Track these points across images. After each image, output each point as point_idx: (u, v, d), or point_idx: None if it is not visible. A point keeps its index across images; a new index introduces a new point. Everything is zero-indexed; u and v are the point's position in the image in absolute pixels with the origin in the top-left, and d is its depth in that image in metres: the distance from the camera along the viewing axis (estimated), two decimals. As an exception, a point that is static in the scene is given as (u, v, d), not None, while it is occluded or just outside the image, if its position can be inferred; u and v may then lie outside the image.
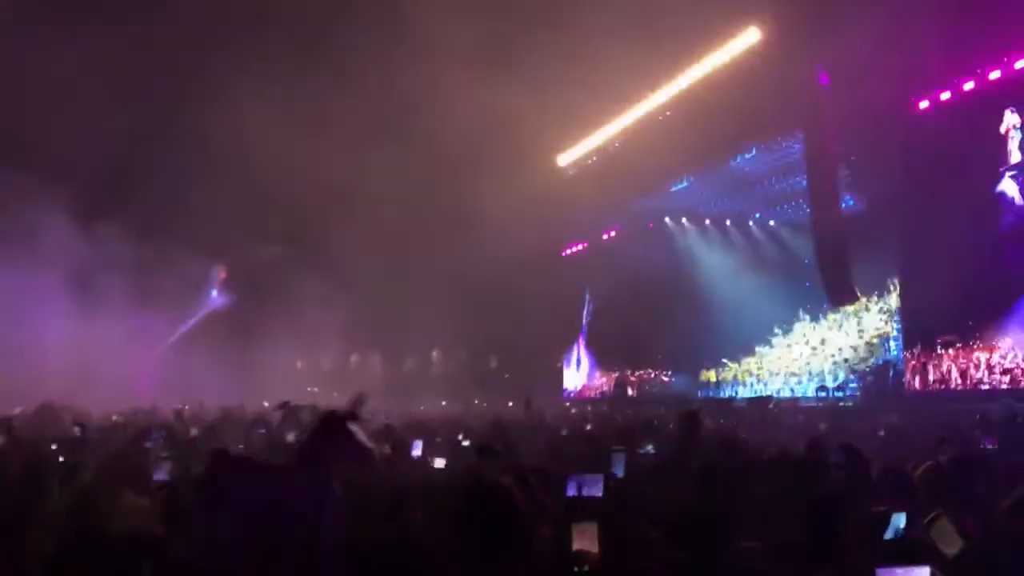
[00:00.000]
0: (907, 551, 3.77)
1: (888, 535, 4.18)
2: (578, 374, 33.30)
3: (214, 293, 29.93)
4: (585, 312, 33.14)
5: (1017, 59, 17.44)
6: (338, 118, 22.29)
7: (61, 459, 7.08)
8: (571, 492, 4.72)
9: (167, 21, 21.65)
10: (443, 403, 24.61)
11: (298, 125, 21.85)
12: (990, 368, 17.90)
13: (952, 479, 4.99)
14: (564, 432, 11.12)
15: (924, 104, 19.39)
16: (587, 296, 32.94)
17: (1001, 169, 17.86)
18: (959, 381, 18.43)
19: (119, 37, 19.92)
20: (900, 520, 4.21)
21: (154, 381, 23.43)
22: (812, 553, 3.74)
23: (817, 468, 5.64)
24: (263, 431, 11.29)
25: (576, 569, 3.37)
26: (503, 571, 3.10)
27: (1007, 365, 17.52)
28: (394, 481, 5.72)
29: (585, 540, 3.46)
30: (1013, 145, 17.66)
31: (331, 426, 3.83)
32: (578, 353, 33.55)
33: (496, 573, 3.09)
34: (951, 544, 3.86)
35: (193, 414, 17.31)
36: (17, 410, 13.48)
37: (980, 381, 17.97)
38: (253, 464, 4.14)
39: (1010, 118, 17.69)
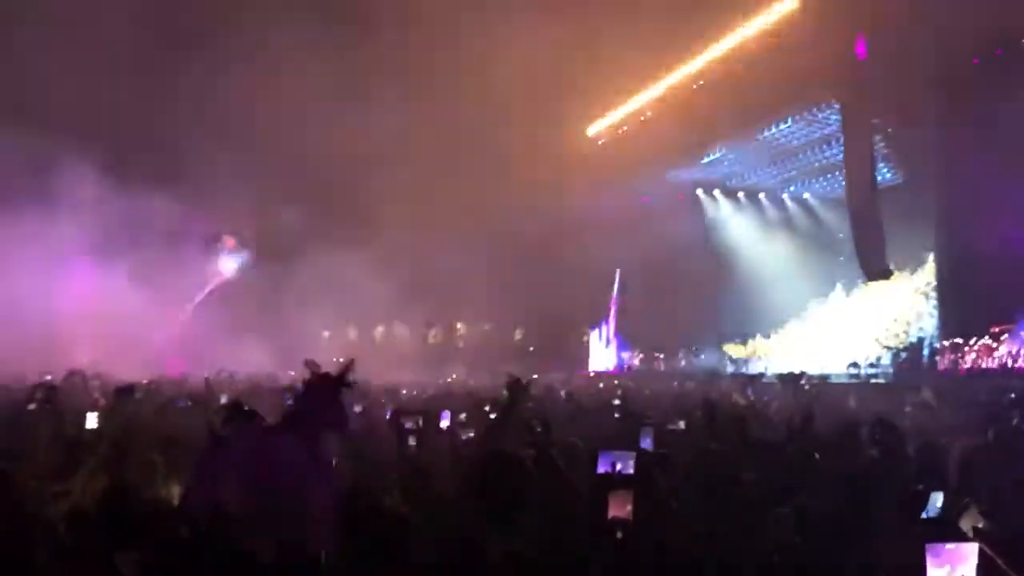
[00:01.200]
0: (944, 531, 3.73)
1: (927, 513, 4.17)
2: (607, 351, 33.08)
3: (224, 262, 30.00)
4: (616, 287, 32.87)
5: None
6: (364, 84, 22.13)
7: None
8: (603, 468, 4.64)
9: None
10: (463, 375, 24.47)
11: (326, 90, 21.71)
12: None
13: (992, 459, 4.86)
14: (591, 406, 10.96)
15: (964, 73, 18.78)
16: (616, 272, 32.65)
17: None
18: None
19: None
20: (937, 499, 4.21)
21: (181, 350, 23.53)
22: (847, 526, 3.73)
23: (849, 446, 5.61)
24: (291, 402, 11.21)
25: (612, 536, 3.46)
26: (515, 539, 3.17)
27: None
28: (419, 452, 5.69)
29: (620, 508, 3.53)
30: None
31: (318, 389, 3.76)
32: (607, 332, 33.31)
33: (508, 541, 3.14)
34: (981, 527, 3.89)
35: (222, 383, 17.35)
36: (48, 377, 13.51)
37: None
38: (260, 422, 4.04)
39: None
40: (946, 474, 4.82)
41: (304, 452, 3.49)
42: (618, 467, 4.57)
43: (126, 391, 9.35)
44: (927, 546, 2.91)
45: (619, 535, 3.45)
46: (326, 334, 31.41)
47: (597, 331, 33.62)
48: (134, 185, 22.18)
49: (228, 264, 29.90)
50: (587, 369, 31.96)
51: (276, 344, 23.00)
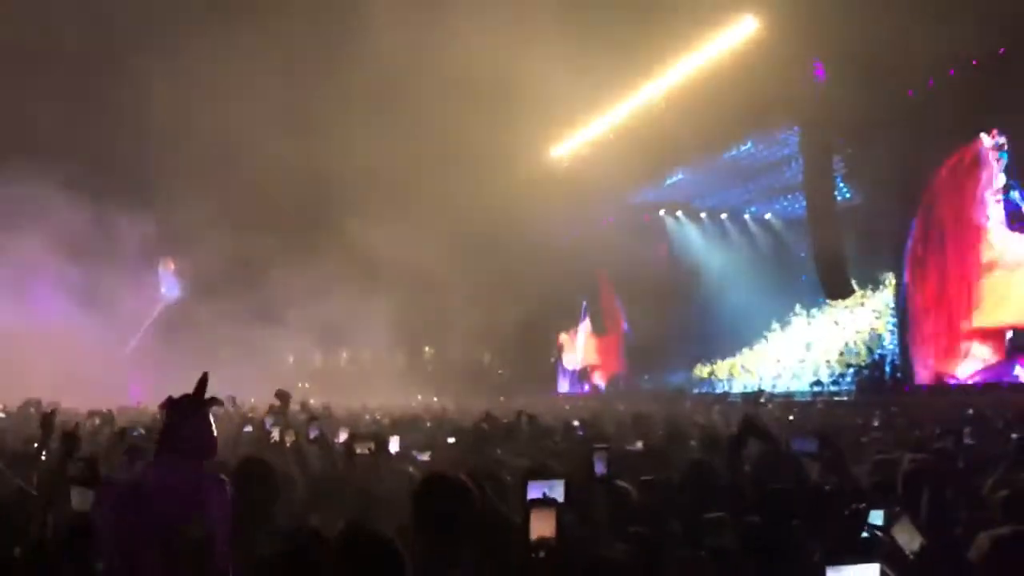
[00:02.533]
0: (882, 549, 3.82)
1: (867, 533, 4.21)
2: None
3: (163, 288, 29.58)
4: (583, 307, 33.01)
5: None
6: (323, 107, 22.06)
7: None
8: (533, 495, 4.64)
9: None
10: (434, 399, 24.32)
11: (284, 114, 21.62)
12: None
13: (932, 475, 4.91)
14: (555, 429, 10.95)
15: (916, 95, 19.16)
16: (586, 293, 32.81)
17: (987, 193, 17.78)
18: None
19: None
20: (877, 518, 4.27)
21: (140, 377, 23.21)
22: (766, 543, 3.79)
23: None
24: (249, 429, 11.11)
25: (533, 555, 3.44)
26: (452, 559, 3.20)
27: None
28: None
29: (544, 527, 3.50)
30: (997, 168, 17.56)
31: (181, 408, 3.62)
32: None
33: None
34: (911, 542, 3.94)
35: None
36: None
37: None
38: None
39: (987, 140, 17.64)
40: (891, 491, 4.85)
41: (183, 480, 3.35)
42: (547, 494, 4.59)
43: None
44: (828, 569, 2.92)
45: (542, 555, 3.42)
46: (291, 359, 31.18)
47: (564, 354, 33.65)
48: (76, 202, 21.87)
49: (169, 287, 29.49)
50: (555, 391, 32.00)
51: (240, 370, 22.73)
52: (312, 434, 8.05)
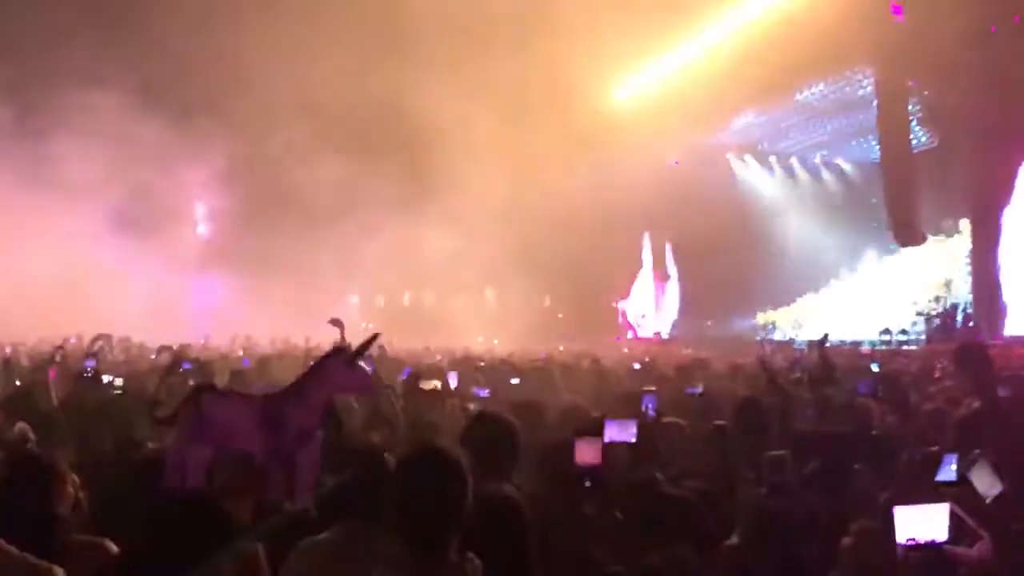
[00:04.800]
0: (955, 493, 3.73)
1: (940, 476, 4.13)
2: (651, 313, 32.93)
3: (200, 229, 29.80)
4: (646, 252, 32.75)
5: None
6: (389, 41, 22.05)
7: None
8: (611, 436, 4.70)
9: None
10: (495, 341, 24.48)
11: (347, 45, 21.62)
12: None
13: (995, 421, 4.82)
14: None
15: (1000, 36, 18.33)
16: (646, 237, 32.51)
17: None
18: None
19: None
20: (951, 461, 4.17)
21: (206, 316, 23.78)
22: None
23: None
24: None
25: (578, 483, 3.60)
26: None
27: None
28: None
29: (588, 454, 3.63)
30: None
31: (331, 359, 3.84)
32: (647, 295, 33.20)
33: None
34: (990, 486, 3.81)
35: (246, 348, 17.52)
36: (72, 339, 13.72)
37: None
38: (236, 396, 4.10)
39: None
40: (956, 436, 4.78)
41: (277, 415, 3.50)
42: (618, 436, 4.65)
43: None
44: (895, 509, 2.88)
45: (587, 483, 3.55)
46: (355, 300, 31.60)
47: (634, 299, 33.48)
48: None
49: (205, 228, 29.73)
50: (619, 337, 31.93)
51: (303, 309, 23.12)
52: (404, 375, 8.25)
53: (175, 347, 12.79)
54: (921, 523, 2.95)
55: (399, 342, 19.51)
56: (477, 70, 22.25)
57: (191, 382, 6.41)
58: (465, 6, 21.07)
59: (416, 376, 7.96)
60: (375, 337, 3.97)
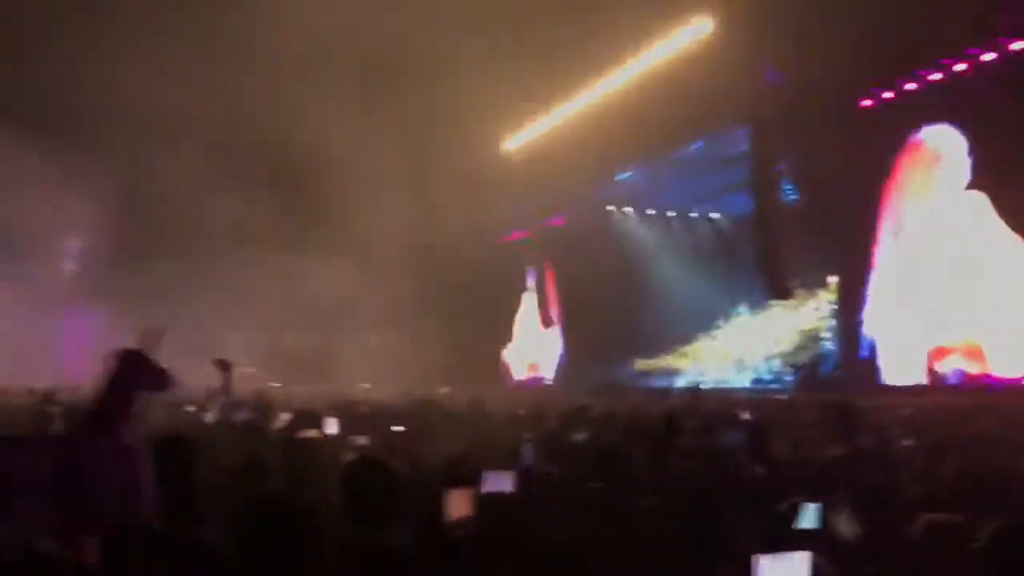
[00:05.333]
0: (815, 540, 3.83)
1: (804, 523, 4.30)
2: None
3: (68, 265, 28.70)
4: (531, 299, 33.11)
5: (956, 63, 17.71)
6: (267, 85, 21.78)
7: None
8: (488, 487, 4.71)
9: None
10: (366, 386, 24.12)
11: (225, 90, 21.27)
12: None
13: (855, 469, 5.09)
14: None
15: (867, 102, 19.56)
16: (531, 285, 32.93)
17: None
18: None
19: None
20: (811, 510, 4.33)
21: (83, 356, 22.66)
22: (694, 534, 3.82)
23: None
24: (190, 410, 11.02)
25: (450, 536, 3.59)
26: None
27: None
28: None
29: (461, 507, 3.67)
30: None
31: (127, 360, 3.73)
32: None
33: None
34: (849, 531, 4.07)
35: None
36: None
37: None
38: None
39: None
40: (819, 485, 4.99)
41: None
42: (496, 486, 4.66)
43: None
44: (756, 558, 2.96)
45: (460, 534, 3.56)
46: (233, 344, 30.73)
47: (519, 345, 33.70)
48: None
49: (71, 262, 28.59)
50: (503, 382, 32.06)
51: (183, 347, 22.26)
52: (240, 416, 8.05)
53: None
54: (782, 572, 3.06)
55: (281, 385, 19.12)
56: (368, 108, 22.20)
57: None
58: (361, 42, 21.03)
59: (294, 422, 7.82)
60: (160, 332, 3.88)
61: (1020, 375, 16.12)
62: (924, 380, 18.15)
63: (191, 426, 8.37)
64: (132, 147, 22.80)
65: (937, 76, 18.04)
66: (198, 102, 21.59)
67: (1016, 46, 16.44)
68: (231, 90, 21.19)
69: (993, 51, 16.83)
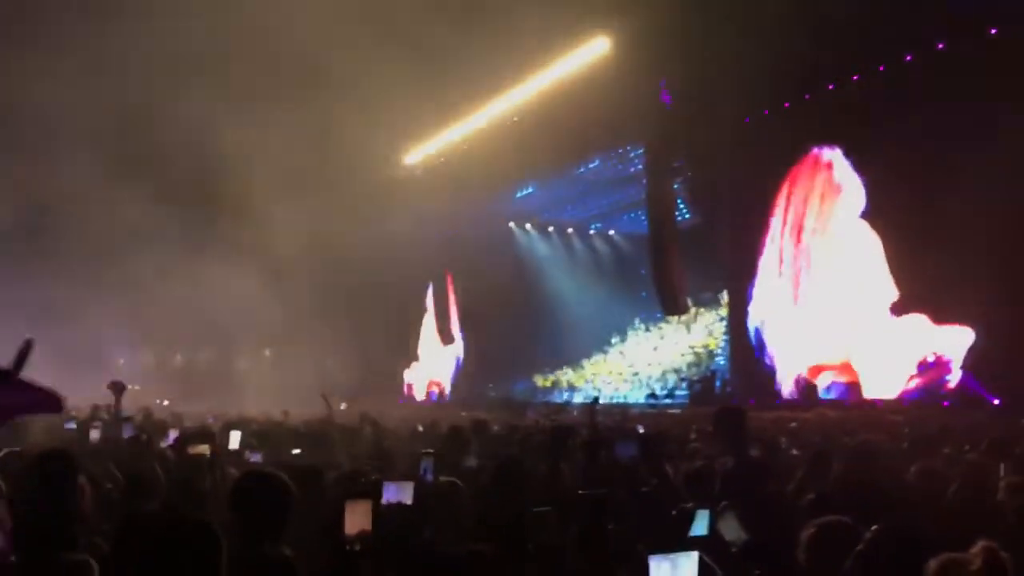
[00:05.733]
0: (706, 546, 3.92)
1: (695, 530, 4.39)
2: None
3: None
4: (429, 316, 32.97)
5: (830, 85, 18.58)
6: (167, 93, 21.15)
7: None
8: (388, 498, 4.68)
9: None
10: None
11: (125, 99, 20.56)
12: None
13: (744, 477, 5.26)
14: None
15: (753, 119, 20.26)
16: (429, 300, 32.81)
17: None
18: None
19: None
20: (703, 516, 4.42)
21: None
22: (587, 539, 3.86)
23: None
24: (71, 427, 10.58)
25: (348, 548, 3.50)
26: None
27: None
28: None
29: (359, 520, 3.57)
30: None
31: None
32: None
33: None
34: (735, 535, 4.18)
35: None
36: None
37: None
38: None
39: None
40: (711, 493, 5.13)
41: None
42: (397, 497, 4.64)
43: None
44: (650, 558, 3.04)
45: (357, 547, 3.48)
46: (121, 361, 29.66)
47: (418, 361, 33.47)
48: None
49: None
50: (403, 398, 31.81)
51: (65, 370, 21.32)
52: (126, 433, 7.78)
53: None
54: (673, 571, 3.13)
55: (171, 403, 18.47)
56: (271, 114, 21.77)
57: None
58: (259, 45, 20.65)
59: (183, 440, 7.59)
60: (29, 345, 3.68)
61: (887, 395, 17.07)
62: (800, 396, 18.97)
63: (73, 444, 8.00)
64: (19, 148, 21.61)
65: (827, 92, 18.80)
66: (90, 102, 20.78)
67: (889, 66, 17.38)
68: (124, 91, 20.47)
69: (881, 67, 17.67)
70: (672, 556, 3.09)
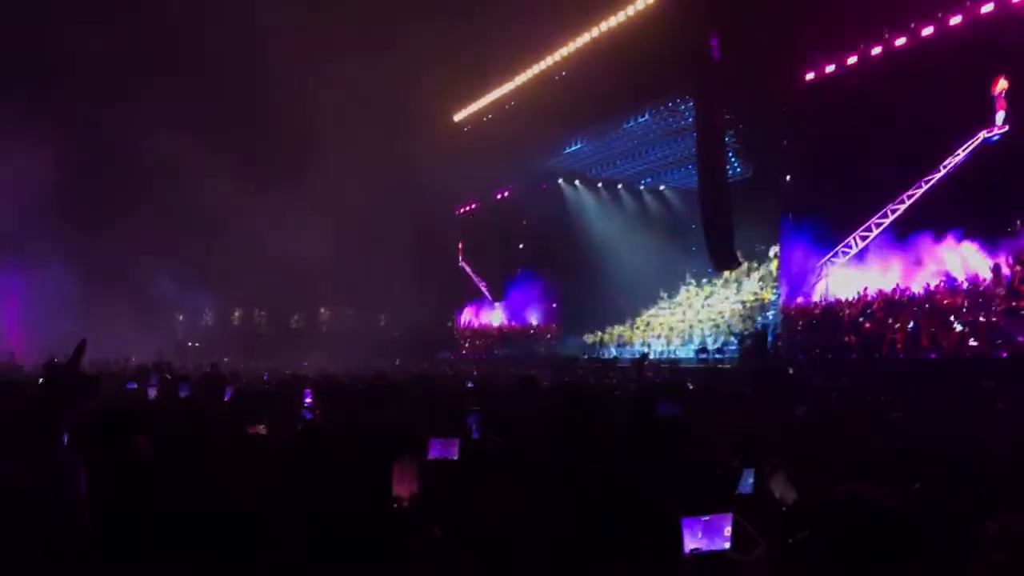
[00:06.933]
0: (748, 505, 3.96)
1: (740, 488, 4.43)
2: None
3: None
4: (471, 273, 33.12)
5: (897, 37, 18.09)
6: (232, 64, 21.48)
7: None
8: (433, 454, 4.82)
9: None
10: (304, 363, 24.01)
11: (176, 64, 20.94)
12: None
13: (801, 436, 5.24)
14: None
15: (810, 76, 19.86)
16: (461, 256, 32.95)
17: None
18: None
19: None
20: (749, 475, 4.48)
21: (18, 332, 22.27)
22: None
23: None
24: (132, 387, 10.94)
25: (396, 506, 3.60)
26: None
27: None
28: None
29: (406, 479, 3.66)
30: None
31: (59, 375, 3.71)
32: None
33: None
34: (786, 494, 4.21)
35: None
36: None
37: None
38: None
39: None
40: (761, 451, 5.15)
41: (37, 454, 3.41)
42: (442, 453, 4.77)
43: None
44: (684, 519, 3.12)
45: (405, 504, 3.59)
46: (180, 317, 30.41)
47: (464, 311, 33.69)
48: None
49: None
50: (450, 355, 32.12)
51: (125, 328, 22.03)
52: (182, 393, 8.04)
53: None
54: (707, 532, 3.21)
55: (231, 362, 18.99)
56: (320, 88, 22.00)
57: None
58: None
59: (239, 396, 7.83)
60: (83, 345, 3.85)
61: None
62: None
63: (133, 403, 8.31)
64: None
65: (878, 50, 18.41)
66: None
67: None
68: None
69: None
70: (706, 518, 3.16)
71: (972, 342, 15.79)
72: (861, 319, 18.25)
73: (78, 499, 3.22)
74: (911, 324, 17.01)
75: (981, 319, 15.88)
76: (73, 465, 3.28)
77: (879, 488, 3.76)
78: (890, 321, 17.54)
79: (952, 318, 16.43)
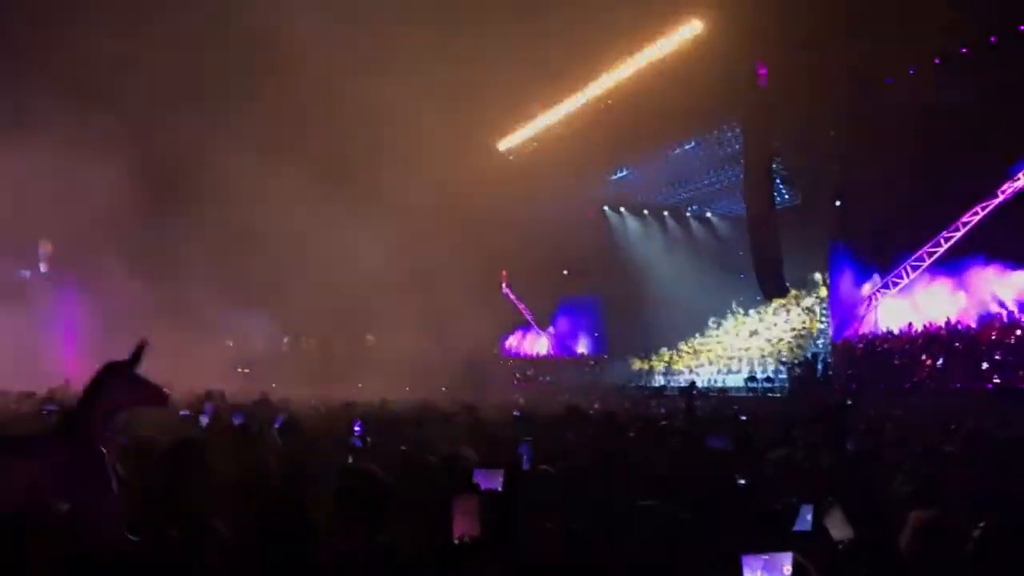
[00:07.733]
0: (807, 544, 3.85)
1: (797, 526, 4.27)
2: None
3: (42, 269, 28.57)
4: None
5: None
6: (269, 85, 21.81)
7: None
8: (478, 483, 4.79)
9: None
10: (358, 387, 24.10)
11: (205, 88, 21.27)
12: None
13: (853, 470, 5.13)
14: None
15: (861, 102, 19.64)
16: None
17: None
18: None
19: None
20: (807, 512, 4.29)
21: (74, 360, 22.62)
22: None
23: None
24: (186, 414, 11.08)
25: (457, 541, 3.54)
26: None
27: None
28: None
29: (466, 515, 3.62)
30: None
31: (114, 372, 3.76)
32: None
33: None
34: (841, 531, 4.06)
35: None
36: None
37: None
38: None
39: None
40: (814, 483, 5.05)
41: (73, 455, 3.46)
42: (485, 484, 4.74)
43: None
44: (743, 558, 3.04)
45: (466, 540, 3.56)
46: (229, 343, 30.73)
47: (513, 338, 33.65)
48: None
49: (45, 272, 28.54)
50: (498, 381, 32.04)
51: (176, 356, 22.23)
52: (235, 420, 8.13)
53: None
54: (767, 569, 3.13)
55: (280, 388, 19.15)
56: (365, 121, 22.24)
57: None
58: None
59: (290, 424, 7.89)
60: (144, 345, 3.89)
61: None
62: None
63: (186, 431, 8.42)
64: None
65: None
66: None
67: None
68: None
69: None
70: (765, 556, 3.08)
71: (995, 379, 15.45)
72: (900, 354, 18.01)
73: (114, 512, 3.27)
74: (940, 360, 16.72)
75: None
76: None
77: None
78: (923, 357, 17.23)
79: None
